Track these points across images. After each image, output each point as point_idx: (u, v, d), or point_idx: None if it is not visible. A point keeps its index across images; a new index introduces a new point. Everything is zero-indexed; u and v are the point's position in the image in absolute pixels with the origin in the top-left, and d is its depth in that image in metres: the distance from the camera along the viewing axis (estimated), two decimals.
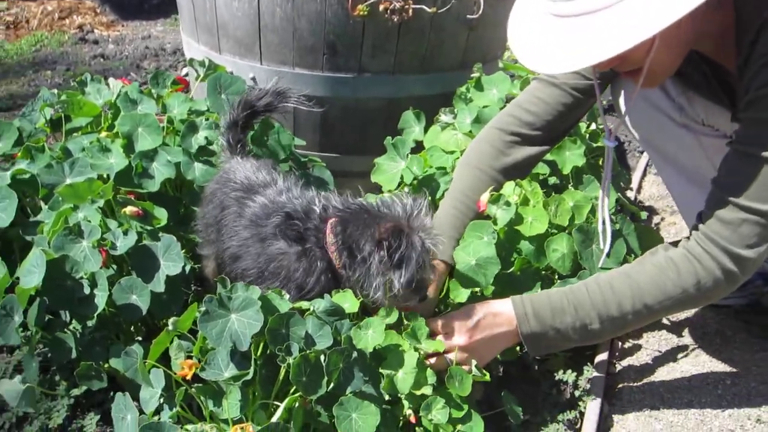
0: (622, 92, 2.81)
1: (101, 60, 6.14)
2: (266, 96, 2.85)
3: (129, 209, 2.57)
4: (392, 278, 2.23)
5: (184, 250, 2.63)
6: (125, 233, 2.47)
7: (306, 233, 2.35)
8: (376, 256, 2.23)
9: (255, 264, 2.39)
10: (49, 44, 6.49)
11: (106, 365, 2.43)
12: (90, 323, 2.47)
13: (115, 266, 2.55)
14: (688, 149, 2.76)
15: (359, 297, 2.31)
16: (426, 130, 3.22)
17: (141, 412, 2.17)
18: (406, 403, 2.20)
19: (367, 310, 2.43)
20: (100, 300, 2.39)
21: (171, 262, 2.47)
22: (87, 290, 2.41)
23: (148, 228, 2.59)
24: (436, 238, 2.30)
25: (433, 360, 2.31)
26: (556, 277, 2.74)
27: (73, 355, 2.41)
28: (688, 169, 2.85)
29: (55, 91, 3.23)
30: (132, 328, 2.64)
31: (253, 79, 3.56)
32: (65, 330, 2.47)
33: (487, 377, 2.37)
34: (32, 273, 2.34)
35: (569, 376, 2.65)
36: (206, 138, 2.94)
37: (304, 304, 2.22)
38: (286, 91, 2.89)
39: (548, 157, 3.03)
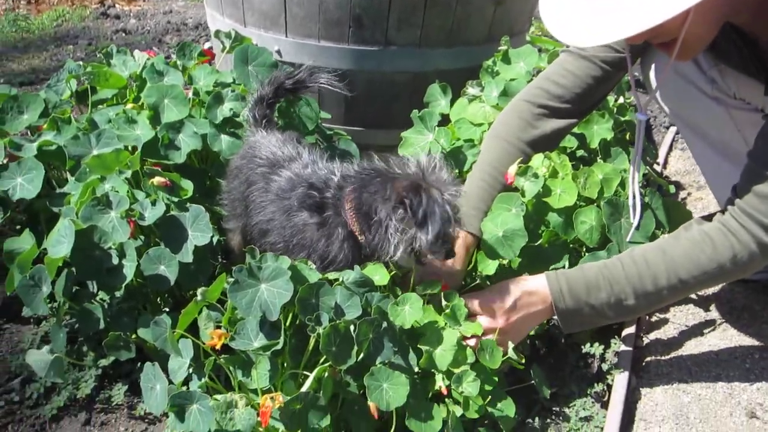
0: (653, 66, 2.78)
1: (123, 35, 6.13)
2: (297, 75, 2.85)
3: (157, 180, 2.56)
4: (418, 235, 2.21)
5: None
6: (153, 204, 2.46)
7: (324, 202, 2.35)
8: (393, 216, 2.21)
9: (281, 237, 2.39)
10: (71, 19, 6.48)
11: (134, 336, 2.43)
12: (118, 294, 2.47)
13: (142, 237, 2.54)
14: (719, 122, 2.74)
15: (382, 262, 2.31)
16: (452, 104, 3.21)
17: (169, 382, 2.17)
18: (438, 375, 2.19)
19: (396, 283, 2.42)
20: (129, 270, 2.39)
21: (199, 232, 2.46)
22: (115, 261, 2.41)
23: (175, 199, 2.58)
24: (457, 191, 2.28)
25: (471, 342, 2.30)
26: (584, 249, 2.73)
27: (101, 325, 2.42)
28: (718, 142, 2.82)
29: (81, 63, 3.23)
30: (159, 299, 2.63)
31: (278, 52, 3.55)
32: (93, 301, 2.47)
33: (523, 361, 2.37)
34: (61, 243, 2.34)
35: (597, 349, 2.64)
36: (232, 110, 2.92)
37: (332, 275, 2.21)
38: (317, 71, 2.89)
39: (576, 130, 3.02)
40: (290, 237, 2.38)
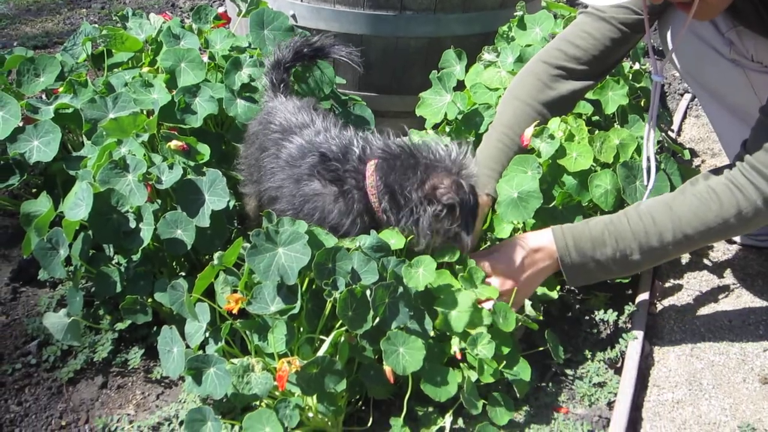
0: (670, 28, 2.77)
1: None
2: (317, 43, 2.88)
3: (174, 144, 2.56)
4: (459, 233, 2.26)
5: None
6: (170, 167, 2.47)
7: (344, 175, 2.34)
8: (428, 208, 2.22)
9: (290, 205, 2.39)
10: None
11: (150, 300, 2.44)
12: (134, 258, 2.48)
13: (159, 201, 2.54)
14: (736, 85, 2.72)
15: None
16: (467, 69, 3.19)
17: (186, 346, 2.18)
18: (454, 339, 2.20)
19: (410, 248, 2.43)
20: (146, 234, 2.39)
21: (216, 197, 2.46)
22: (132, 224, 2.41)
23: (192, 163, 2.59)
24: (479, 183, 2.32)
25: (487, 305, 2.30)
26: (598, 213, 2.73)
27: (118, 289, 2.42)
28: (734, 105, 2.81)
29: (97, 25, 3.22)
30: (175, 264, 2.64)
31: (293, 16, 3.53)
32: (109, 264, 2.48)
33: (540, 318, 2.39)
34: (78, 206, 2.35)
35: (610, 315, 2.64)
36: (250, 76, 2.91)
37: (345, 242, 2.22)
38: (337, 42, 2.92)
39: (591, 96, 3.00)
40: (300, 205, 2.38)
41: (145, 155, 2.51)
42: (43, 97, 3.11)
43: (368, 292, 2.07)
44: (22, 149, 2.70)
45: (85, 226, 2.41)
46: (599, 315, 2.68)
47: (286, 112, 2.59)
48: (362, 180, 2.31)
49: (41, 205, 2.55)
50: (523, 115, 2.70)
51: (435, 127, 3.12)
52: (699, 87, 2.95)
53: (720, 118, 2.96)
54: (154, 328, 2.52)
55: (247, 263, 2.07)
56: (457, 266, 2.36)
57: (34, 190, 2.98)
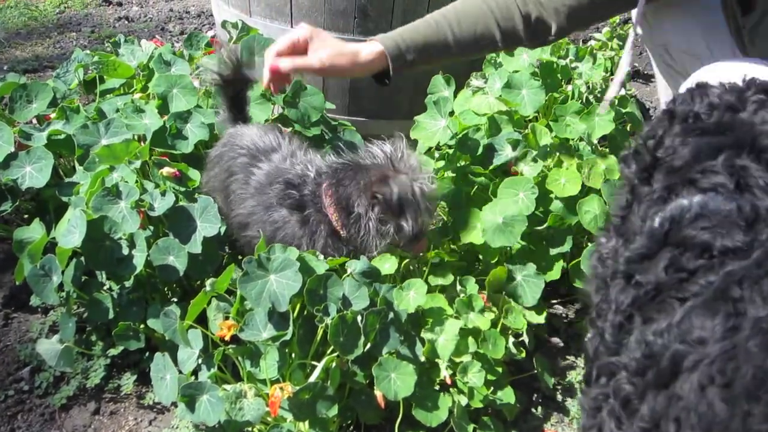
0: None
1: (126, 22, 6.13)
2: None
3: (166, 170, 2.59)
4: (401, 224, 2.27)
5: None
6: (163, 194, 2.48)
7: (303, 200, 2.38)
8: (371, 211, 2.27)
9: (264, 232, 2.41)
10: (74, 5, 6.47)
11: (142, 326, 2.45)
12: (127, 284, 2.49)
13: (151, 227, 2.56)
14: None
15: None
16: (455, 95, 3.22)
17: (179, 372, 2.19)
18: (442, 365, 2.22)
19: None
20: (139, 260, 2.41)
21: (208, 223, 2.48)
22: (125, 251, 2.42)
23: (183, 189, 2.61)
24: (428, 177, 2.31)
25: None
26: (586, 238, 2.77)
27: (111, 315, 2.44)
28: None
29: (88, 51, 3.25)
30: (167, 289, 2.65)
31: None
32: (102, 291, 2.49)
33: (523, 354, 2.42)
34: (72, 233, 2.36)
35: None
36: None
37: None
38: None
39: (579, 122, 3.04)
40: (272, 233, 2.42)
41: (137, 182, 2.53)
42: (35, 122, 3.12)
43: (359, 318, 2.09)
44: (15, 175, 2.71)
45: (78, 252, 2.42)
46: (587, 337, 2.70)
47: (252, 134, 2.62)
48: (321, 203, 2.36)
49: (34, 231, 2.56)
50: (479, 15, 2.52)
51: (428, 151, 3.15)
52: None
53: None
54: (147, 354, 2.52)
55: (239, 290, 2.10)
56: (457, 287, 2.40)
57: (26, 216, 2.99)
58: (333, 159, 2.45)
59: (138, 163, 2.60)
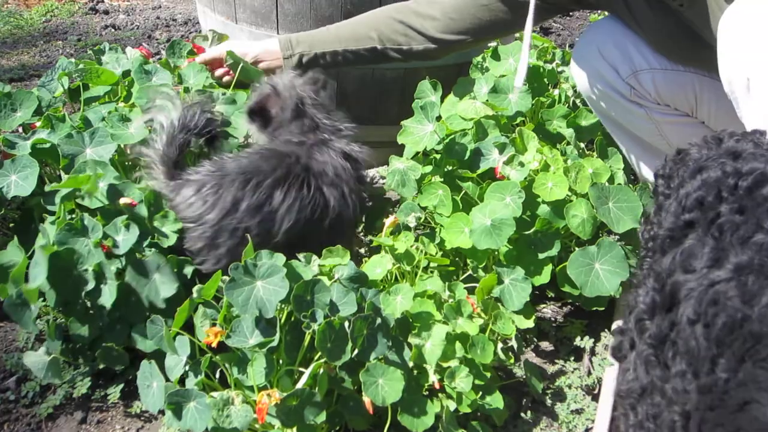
0: None
1: (112, 30, 6.12)
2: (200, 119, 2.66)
3: (122, 200, 2.51)
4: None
5: None
6: (126, 228, 2.42)
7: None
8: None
9: None
10: (60, 14, 6.47)
11: (128, 338, 2.42)
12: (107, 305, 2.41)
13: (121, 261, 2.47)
14: (642, 125, 2.87)
15: None
16: (442, 100, 3.22)
17: (166, 380, 2.18)
18: (430, 370, 2.22)
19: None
20: (109, 295, 2.36)
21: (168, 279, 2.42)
22: (92, 284, 2.37)
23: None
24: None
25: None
26: (574, 243, 2.76)
27: (93, 336, 2.42)
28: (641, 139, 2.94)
29: (73, 59, 3.23)
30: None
31: None
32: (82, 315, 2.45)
33: (512, 360, 2.43)
34: (36, 270, 2.32)
35: (586, 342, 2.67)
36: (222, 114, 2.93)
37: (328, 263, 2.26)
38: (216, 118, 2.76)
39: (567, 126, 3.05)
40: None
41: (98, 217, 2.49)
42: (20, 131, 3.11)
43: (347, 324, 2.09)
44: (0, 184, 2.70)
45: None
46: (576, 342, 2.70)
47: None
48: None
49: (13, 255, 2.48)
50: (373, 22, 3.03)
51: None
52: (605, 119, 3.02)
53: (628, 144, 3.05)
54: (134, 362, 2.51)
55: (226, 297, 2.09)
56: (446, 292, 2.40)
57: (11, 225, 2.97)
58: None
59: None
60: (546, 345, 2.81)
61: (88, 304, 2.41)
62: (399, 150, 3.15)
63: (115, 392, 2.47)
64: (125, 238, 2.41)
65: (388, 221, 2.66)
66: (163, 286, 2.38)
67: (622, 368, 1.61)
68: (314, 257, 2.32)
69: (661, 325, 1.43)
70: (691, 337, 1.33)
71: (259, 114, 2.80)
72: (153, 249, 2.45)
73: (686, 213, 1.55)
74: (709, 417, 1.28)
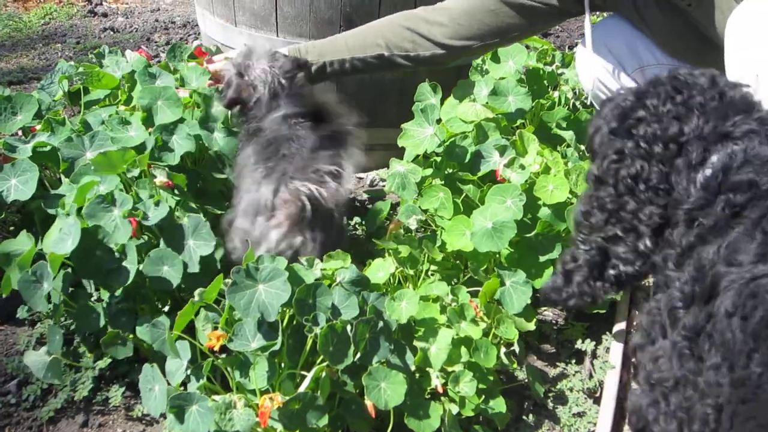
0: None
1: (111, 33, 6.12)
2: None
3: (159, 180, 2.57)
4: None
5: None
6: (156, 204, 2.47)
7: None
8: None
9: None
10: (59, 17, 6.47)
11: (131, 336, 2.43)
12: (116, 293, 2.47)
13: (145, 237, 2.54)
14: None
15: None
16: (442, 103, 3.22)
17: (167, 383, 2.18)
18: (433, 373, 2.22)
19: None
20: (130, 272, 2.38)
21: (201, 240, 2.48)
22: (116, 262, 2.41)
23: (177, 198, 2.60)
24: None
25: None
26: None
27: (101, 324, 2.42)
28: None
29: (73, 62, 3.23)
30: (157, 300, 2.63)
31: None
32: (91, 301, 2.48)
33: (515, 365, 2.42)
34: (64, 240, 2.33)
35: (588, 345, 2.66)
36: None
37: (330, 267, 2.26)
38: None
39: (567, 130, 3.05)
40: None
41: (133, 193, 2.51)
42: (20, 134, 3.10)
43: (349, 328, 2.08)
44: (0, 188, 2.70)
45: (66, 263, 2.40)
46: (577, 345, 2.70)
47: None
48: None
49: (22, 243, 2.53)
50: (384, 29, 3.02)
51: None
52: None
53: None
54: (135, 366, 2.51)
55: (228, 300, 2.08)
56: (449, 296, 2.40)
57: (11, 228, 2.97)
58: None
59: (136, 172, 2.59)
60: (547, 348, 2.80)
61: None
62: (398, 152, 3.15)
63: (116, 395, 2.47)
64: (155, 213, 2.48)
65: (392, 224, 2.66)
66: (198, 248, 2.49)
67: (650, 352, 1.60)
68: (316, 261, 2.32)
69: (698, 317, 1.44)
70: (727, 329, 1.34)
71: (235, 104, 2.84)
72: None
73: (729, 193, 1.53)
74: (741, 410, 1.29)
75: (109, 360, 2.49)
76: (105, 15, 6.58)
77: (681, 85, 1.69)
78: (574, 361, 2.74)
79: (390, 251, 2.49)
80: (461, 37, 2.96)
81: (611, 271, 1.77)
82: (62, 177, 2.80)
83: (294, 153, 2.54)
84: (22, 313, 2.71)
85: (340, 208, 2.63)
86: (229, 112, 2.89)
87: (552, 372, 2.70)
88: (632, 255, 1.72)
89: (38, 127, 2.96)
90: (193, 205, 2.63)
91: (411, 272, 2.48)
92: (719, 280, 1.40)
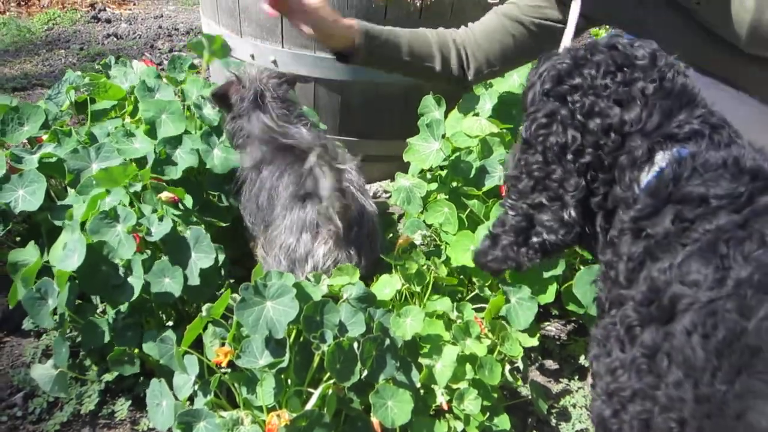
0: None
1: (114, 39, 6.12)
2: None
3: (164, 195, 2.58)
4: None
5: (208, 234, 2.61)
6: (160, 219, 2.48)
7: None
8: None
9: None
10: (62, 22, 6.47)
11: (136, 351, 2.44)
12: (122, 308, 2.48)
13: (148, 251, 2.54)
14: None
15: None
16: (446, 116, 3.23)
17: (174, 397, 2.19)
18: (438, 390, 2.23)
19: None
20: (135, 287, 2.40)
21: (202, 253, 2.48)
22: (122, 277, 2.42)
23: (178, 213, 2.61)
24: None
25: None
26: (578, 260, 2.77)
27: (106, 339, 2.42)
28: None
29: (79, 72, 3.24)
30: (162, 314, 2.64)
31: (274, 62, 3.57)
32: (97, 314, 2.49)
33: (519, 382, 2.44)
34: (70, 257, 2.35)
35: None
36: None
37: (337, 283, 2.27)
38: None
39: None
40: None
41: (133, 206, 2.52)
42: (27, 144, 3.11)
43: (356, 345, 2.09)
44: (7, 199, 2.70)
45: (72, 276, 2.41)
46: (580, 360, 2.71)
47: None
48: None
49: (29, 254, 2.55)
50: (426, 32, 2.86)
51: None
52: None
53: None
54: (141, 379, 2.52)
55: (236, 317, 2.09)
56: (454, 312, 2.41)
57: (18, 238, 2.98)
58: None
59: (138, 186, 2.59)
60: (550, 363, 2.81)
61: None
62: (402, 163, 3.15)
63: (122, 409, 2.48)
64: (158, 229, 2.48)
65: (400, 240, 2.67)
66: (200, 260, 2.48)
67: (606, 364, 1.61)
68: (323, 276, 2.33)
69: (656, 336, 1.45)
70: (686, 346, 1.36)
71: (221, 99, 2.94)
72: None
73: (679, 205, 1.53)
74: (706, 425, 1.31)
75: (116, 374, 2.50)
76: (108, 21, 6.59)
77: (622, 59, 1.66)
78: (577, 377, 2.75)
79: (397, 267, 2.50)
80: (481, 60, 2.91)
81: (535, 239, 1.75)
82: (68, 188, 2.81)
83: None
84: (28, 324, 2.73)
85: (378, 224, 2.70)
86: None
87: (555, 388, 2.71)
88: (557, 224, 1.69)
89: (45, 137, 2.97)
90: (195, 218, 2.63)
91: (417, 289, 2.49)
92: (676, 302, 1.42)
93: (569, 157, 1.66)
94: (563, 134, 1.66)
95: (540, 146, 1.69)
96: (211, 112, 3.03)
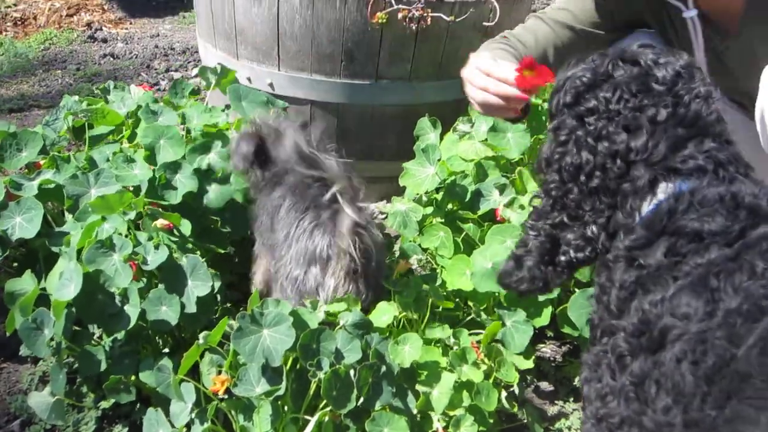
0: None
1: (111, 59, 6.13)
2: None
3: (160, 222, 2.59)
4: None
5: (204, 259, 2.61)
6: (156, 248, 2.48)
7: None
8: None
9: None
10: (58, 42, 6.47)
11: (133, 378, 2.45)
12: (119, 336, 2.49)
13: (144, 279, 2.56)
14: None
15: None
16: (441, 137, 3.24)
17: (171, 425, 2.20)
18: (434, 417, 2.24)
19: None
20: (132, 316, 2.40)
21: (199, 281, 2.49)
22: (118, 306, 2.43)
23: (176, 240, 2.62)
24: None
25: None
26: (573, 284, 2.78)
27: (103, 367, 2.43)
28: None
29: (77, 97, 3.25)
30: (159, 340, 2.65)
31: (271, 85, 3.59)
32: (94, 341, 2.49)
33: (515, 408, 2.46)
34: (66, 286, 2.36)
35: None
36: (209, 164, 2.95)
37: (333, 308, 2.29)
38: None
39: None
40: None
41: (130, 234, 2.53)
42: (24, 170, 3.12)
43: (352, 372, 2.10)
44: (4, 226, 2.70)
45: (69, 304, 2.41)
46: (575, 382, 2.72)
47: None
48: None
49: (26, 284, 2.55)
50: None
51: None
52: None
53: None
54: (138, 406, 2.52)
55: (233, 345, 2.10)
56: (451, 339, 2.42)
57: (15, 264, 2.98)
58: None
59: (132, 215, 2.60)
60: (545, 385, 2.82)
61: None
62: (398, 185, 3.16)
63: None
64: (154, 257, 2.48)
65: (399, 265, 2.69)
66: (196, 288, 2.49)
67: (596, 390, 1.67)
68: (320, 303, 2.34)
69: (644, 366, 1.49)
70: (676, 372, 1.39)
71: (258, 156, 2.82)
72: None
73: (672, 238, 1.55)
74: None
75: (113, 401, 2.50)
76: (105, 41, 6.60)
77: (638, 84, 1.67)
78: (572, 399, 2.75)
79: (394, 293, 2.51)
80: None
81: (563, 258, 1.77)
82: (66, 213, 2.82)
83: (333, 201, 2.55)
84: (25, 350, 2.73)
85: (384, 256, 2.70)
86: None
87: (551, 410, 2.72)
88: (583, 241, 1.72)
89: (43, 162, 2.98)
90: (191, 246, 2.64)
91: (415, 316, 2.50)
92: (667, 333, 1.45)
93: (582, 178, 1.68)
94: (578, 155, 1.68)
95: (556, 164, 1.72)
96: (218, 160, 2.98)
